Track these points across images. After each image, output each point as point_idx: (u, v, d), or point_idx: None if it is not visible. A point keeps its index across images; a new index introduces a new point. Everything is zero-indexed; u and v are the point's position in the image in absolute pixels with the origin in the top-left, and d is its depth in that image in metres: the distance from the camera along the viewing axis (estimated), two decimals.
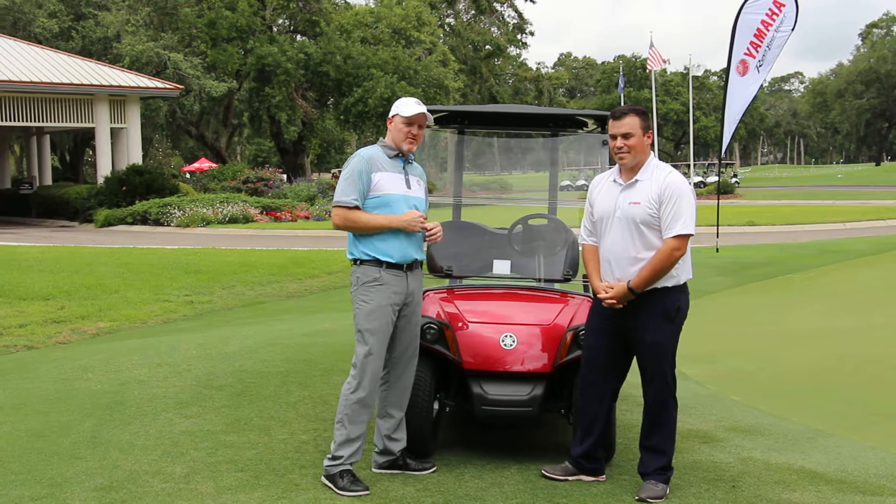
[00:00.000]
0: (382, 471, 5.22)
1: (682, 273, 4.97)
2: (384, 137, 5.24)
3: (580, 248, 5.42)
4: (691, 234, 4.85)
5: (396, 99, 5.36)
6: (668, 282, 4.92)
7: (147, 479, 5.10)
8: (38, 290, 13.53)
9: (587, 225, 5.23)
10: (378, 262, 5.03)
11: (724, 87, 19.34)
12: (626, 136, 4.94)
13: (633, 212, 4.92)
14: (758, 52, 18.42)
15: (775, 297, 13.69)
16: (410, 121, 5.11)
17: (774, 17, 18.34)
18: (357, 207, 5.01)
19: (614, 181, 5.08)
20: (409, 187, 5.15)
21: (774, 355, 9.15)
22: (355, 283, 5.08)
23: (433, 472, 5.19)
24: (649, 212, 4.88)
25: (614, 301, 4.93)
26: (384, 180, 5.06)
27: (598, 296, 5.03)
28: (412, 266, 5.16)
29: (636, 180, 4.97)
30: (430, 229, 5.14)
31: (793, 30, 18.51)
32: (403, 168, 5.18)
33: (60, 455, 5.54)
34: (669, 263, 4.83)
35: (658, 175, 4.94)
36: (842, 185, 56.56)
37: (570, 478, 5.14)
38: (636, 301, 4.93)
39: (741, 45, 18.32)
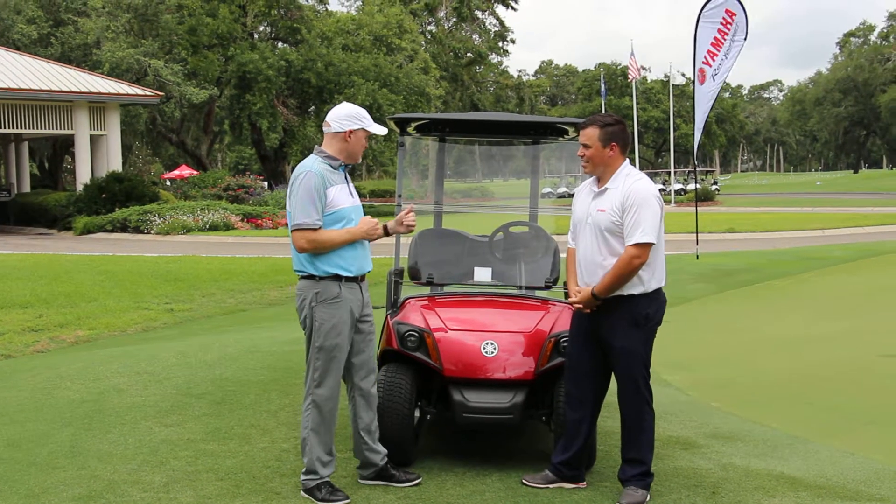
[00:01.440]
0: (368, 482, 5.20)
1: (650, 281, 4.99)
2: (320, 145, 5.08)
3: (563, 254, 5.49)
4: (651, 243, 4.88)
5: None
6: (634, 289, 4.95)
7: (126, 488, 5.06)
8: (15, 298, 13.42)
9: (572, 229, 5.31)
10: (337, 278, 4.95)
11: (693, 96, 19.85)
12: (584, 146, 5.05)
13: (598, 219, 5.00)
14: (714, 60, 18.95)
15: (755, 303, 13.76)
16: (371, 135, 5.12)
17: (728, 25, 18.82)
18: (321, 228, 4.90)
19: (591, 188, 5.17)
20: (352, 196, 5.10)
21: (754, 362, 9.19)
22: (313, 300, 4.94)
23: (418, 482, 5.17)
24: (612, 219, 4.94)
25: (581, 305, 5.00)
26: (336, 194, 4.96)
27: (569, 299, 5.12)
28: (364, 277, 5.13)
29: (606, 188, 5.04)
30: (408, 220, 5.14)
31: (745, 39, 18.98)
32: (345, 177, 5.11)
33: (38, 465, 5.49)
34: (629, 271, 4.87)
35: (626, 183, 4.99)
36: (821, 193, 56.95)
37: (550, 485, 5.15)
38: (606, 307, 4.98)
39: (700, 54, 18.84)
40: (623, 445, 5.09)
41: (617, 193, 4.96)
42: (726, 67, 18.90)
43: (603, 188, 5.05)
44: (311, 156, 5.08)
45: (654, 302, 5.03)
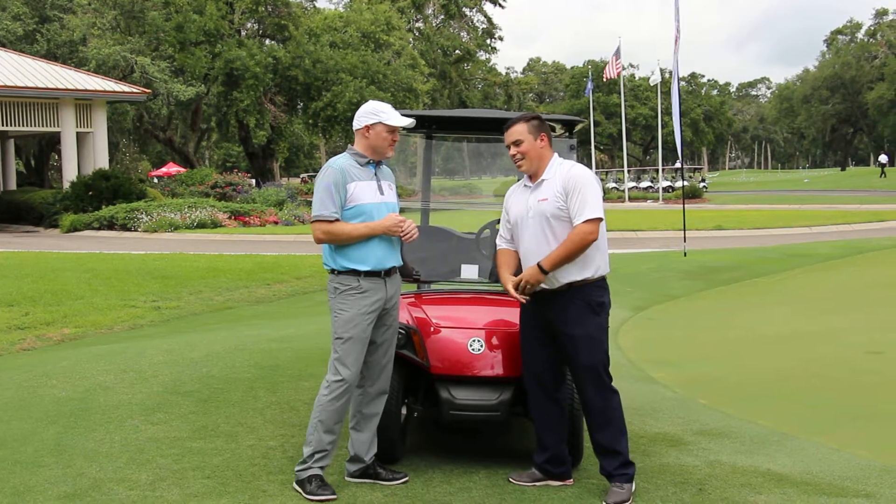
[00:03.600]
0: (354, 479, 5.19)
1: (599, 267, 5.03)
2: (353, 145, 5.17)
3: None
4: (601, 218, 4.92)
5: (365, 103, 5.32)
6: (585, 274, 4.98)
7: (112, 486, 5.04)
8: (1, 295, 13.33)
9: (503, 233, 5.34)
10: (356, 272, 5.02)
11: (678, 95, 20.63)
12: (516, 142, 5.10)
13: (542, 208, 5.03)
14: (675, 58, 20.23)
15: (742, 300, 13.80)
16: (393, 128, 5.11)
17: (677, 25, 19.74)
18: (338, 220, 4.99)
19: (525, 185, 5.23)
20: (381, 193, 5.14)
21: (741, 359, 9.22)
22: (333, 292, 5.06)
23: (405, 481, 5.17)
24: (557, 205, 4.99)
25: (525, 293, 4.98)
26: (359, 190, 5.03)
27: (507, 289, 5.07)
28: (390, 272, 5.15)
29: (542, 180, 5.10)
30: (406, 228, 5.10)
31: (678, 31, 19.85)
32: (375, 174, 5.15)
33: (23, 463, 5.46)
34: (581, 246, 4.89)
35: (561, 170, 5.07)
36: (808, 190, 57.15)
37: (537, 483, 5.15)
38: (559, 297, 5.00)
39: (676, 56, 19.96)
40: (592, 437, 5.08)
41: (555, 181, 5.03)
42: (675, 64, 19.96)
43: (539, 181, 5.10)
44: (343, 153, 5.21)
45: (605, 291, 5.09)
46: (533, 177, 5.15)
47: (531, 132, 5.08)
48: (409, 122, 5.12)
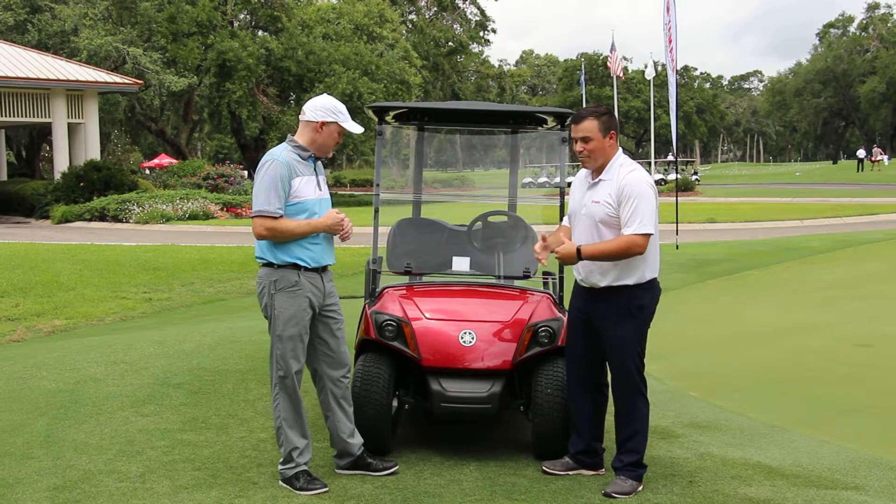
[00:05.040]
0: (345, 472, 5.19)
1: (644, 271, 4.99)
2: (293, 135, 5.06)
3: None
4: (650, 234, 4.86)
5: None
6: (629, 279, 4.95)
7: (102, 478, 5.03)
8: None
9: (567, 216, 5.34)
10: (296, 267, 4.94)
11: (675, 87, 20.79)
12: (584, 139, 4.99)
13: (593, 210, 4.99)
14: (672, 53, 20.05)
15: (734, 293, 13.82)
16: (343, 131, 5.07)
17: (670, 20, 19.84)
18: (282, 216, 4.88)
19: (586, 179, 5.15)
20: (320, 189, 5.07)
21: (732, 352, 9.24)
22: (271, 288, 4.94)
23: (395, 471, 5.17)
24: (607, 211, 4.93)
25: (560, 254, 4.95)
26: (302, 185, 4.94)
27: (549, 242, 5.04)
28: (326, 269, 5.12)
29: (600, 180, 5.03)
30: (346, 226, 5.05)
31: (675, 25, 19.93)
32: (314, 169, 5.08)
33: (12, 455, 5.45)
34: (622, 253, 4.85)
35: (620, 174, 4.97)
36: (800, 183, 57.18)
37: (570, 472, 5.19)
38: (600, 297, 4.99)
39: (670, 48, 19.98)
40: (617, 434, 5.13)
41: (611, 185, 4.94)
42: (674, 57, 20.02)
43: (597, 179, 5.03)
44: (282, 144, 5.07)
45: (649, 292, 5.03)
46: (595, 173, 5.07)
47: (602, 130, 4.97)
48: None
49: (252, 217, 4.94)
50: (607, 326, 4.99)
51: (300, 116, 5.06)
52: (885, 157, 73.81)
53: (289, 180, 4.88)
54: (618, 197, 4.89)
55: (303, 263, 4.94)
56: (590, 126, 4.97)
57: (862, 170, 67.53)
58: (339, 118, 5.01)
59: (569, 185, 5.52)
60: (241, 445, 5.65)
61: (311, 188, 4.99)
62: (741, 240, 21.50)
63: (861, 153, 72.74)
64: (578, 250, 4.90)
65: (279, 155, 4.94)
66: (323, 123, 4.98)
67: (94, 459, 5.36)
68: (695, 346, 9.59)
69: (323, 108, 5.00)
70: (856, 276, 15.20)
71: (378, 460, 5.23)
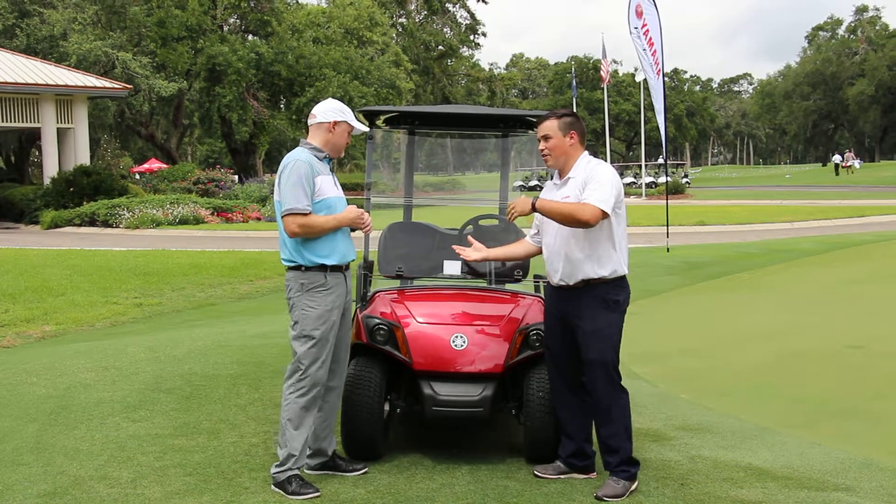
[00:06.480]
0: (314, 472, 5.22)
1: (616, 266, 5.05)
2: (306, 139, 5.22)
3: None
4: (604, 212, 4.88)
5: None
6: (601, 272, 5.00)
7: (92, 484, 5.02)
8: None
9: (532, 227, 5.46)
10: (323, 267, 5.05)
11: (663, 90, 20.70)
12: (545, 137, 5.12)
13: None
14: (654, 56, 19.99)
15: (724, 296, 13.85)
16: (352, 129, 5.24)
17: (646, 24, 19.79)
18: (311, 213, 5.00)
19: (554, 183, 5.25)
20: (337, 187, 5.23)
21: (723, 354, 9.26)
22: (299, 290, 5.04)
23: (364, 472, 5.21)
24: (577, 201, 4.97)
25: (515, 208, 5.03)
26: (324, 184, 5.09)
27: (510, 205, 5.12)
28: (347, 266, 5.23)
29: (568, 178, 5.11)
30: (367, 220, 5.21)
31: (660, 28, 19.80)
32: (331, 170, 5.24)
33: (2, 461, 5.43)
34: (575, 214, 4.86)
35: (587, 168, 5.08)
36: (789, 186, 57.38)
37: (561, 476, 5.18)
38: (575, 293, 5.04)
39: (651, 52, 19.87)
40: (597, 432, 5.13)
41: (578, 179, 5.03)
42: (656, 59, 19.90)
43: (565, 178, 5.11)
44: (298, 147, 5.22)
45: (623, 289, 5.11)
46: (561, 173, 5.17)
47: (561, 129, 5.09)
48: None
49: (283, 216, 5.02)
50: (584, 322, 5.01)
51: (309, 121, 5.22)
52: (857, 162, 75.75)
53: (312, 178, 5.02)
54: (584, 184, 4.98)
55: (329, 262, 5.05)
56: (549, 125, 5.11)
57: (838, 174, 68.59)
58: (348, 117, 5.21)
59: None
60: (233, 451, 5.63)
61: (331, 186, 5.14)
62: (731, 242, 21.57)
63: (837, 158, 74.11)
64: (532, 203, 4.99)
65: (300, 155, 5.09)
66: (335, 123, 5.17)
67: (85, 465, 5.34)
68: (686, 348, 9.61)
69: (332, 109, 5.21)
70: (846, 278, 15.25)
71: (346, 461, 5.30)
